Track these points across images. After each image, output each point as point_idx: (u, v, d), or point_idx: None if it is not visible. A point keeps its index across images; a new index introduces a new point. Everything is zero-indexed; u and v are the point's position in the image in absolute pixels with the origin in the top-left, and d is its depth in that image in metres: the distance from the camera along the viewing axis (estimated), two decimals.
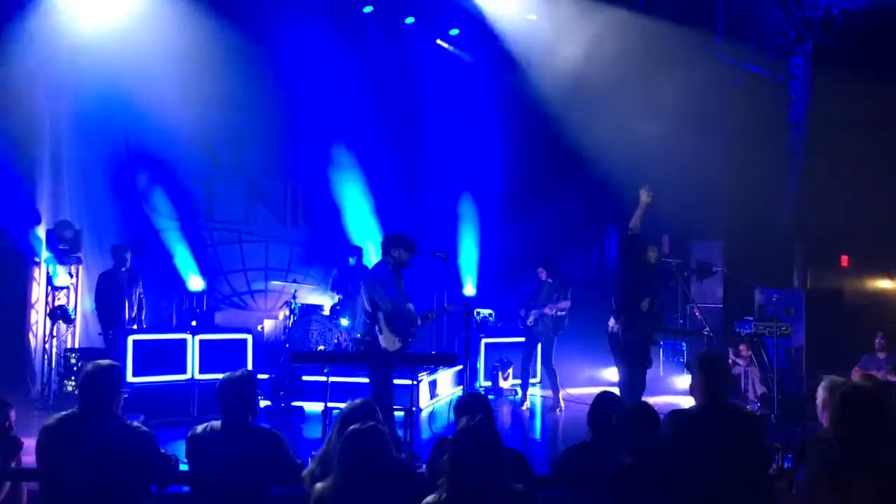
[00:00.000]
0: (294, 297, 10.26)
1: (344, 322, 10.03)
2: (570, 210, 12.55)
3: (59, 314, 9.10)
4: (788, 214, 11.88)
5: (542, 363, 9.90)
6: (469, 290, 12.39)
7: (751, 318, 9.54)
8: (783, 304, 9.75)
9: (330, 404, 6.79)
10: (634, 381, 8.05)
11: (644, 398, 8.18)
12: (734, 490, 3.71)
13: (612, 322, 8.12)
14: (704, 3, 11.72)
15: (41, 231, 9.31)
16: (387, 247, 7.06)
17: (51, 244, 9.17)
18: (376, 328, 6.92)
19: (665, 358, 11.51)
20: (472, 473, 3.26)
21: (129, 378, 8.15)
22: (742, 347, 9.69)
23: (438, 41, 12.43)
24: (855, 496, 2.55)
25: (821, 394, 3.84)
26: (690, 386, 4.05)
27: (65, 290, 9.42)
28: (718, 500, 3.69)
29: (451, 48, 12.57)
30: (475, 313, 10.54)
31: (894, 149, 10.79)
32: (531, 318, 9.81)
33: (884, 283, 12.01)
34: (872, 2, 11.19)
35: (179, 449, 4.24)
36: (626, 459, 3.67)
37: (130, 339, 8.42)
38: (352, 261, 10.73)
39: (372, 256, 11.82)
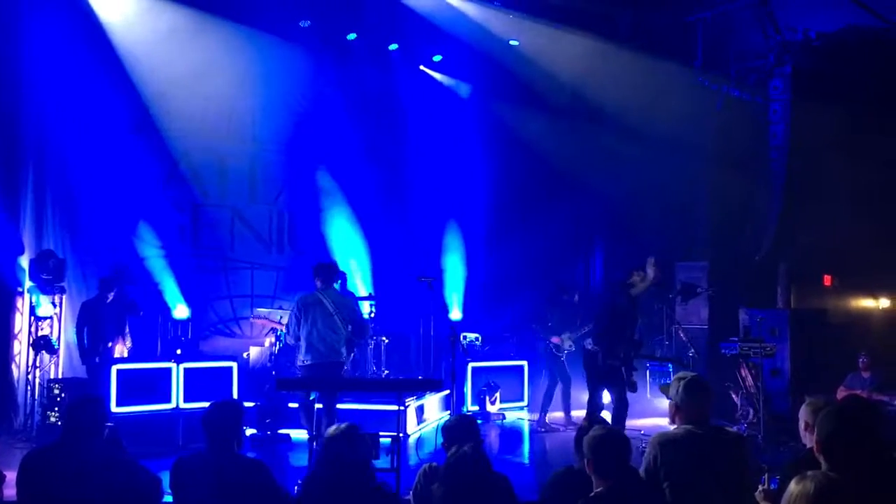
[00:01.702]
0: (280, 324, 10.21)
1: None
2: (555, 234, 12.65)
3: (42, 344, 9.02)
4: (771, 235, 11.98)
5: (566, 383, 9.98)
6: (455, 314, 12.38)
7: (736, 339, 9.57)
8: (768, 325, 9.79)
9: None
10: (617, 403, 8.12)
11: (630, 421, 8.27)
12: None
13: (590, 342, 8.22)
14: (684, 27, 11.88)
15: (24, 261, 9.24)
16: (336, 275, 8.01)
17: (34, 274, 9.11)
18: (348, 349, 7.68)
19: (651, 380, 11.52)
20: (464, 502, 3.26)
21: (113, 408, 8.08)
22: (744, 371, 9.49)
23: (422, 67, 12.52)
24: None
25: (803, 414, 3.85)
26: (670, 409, 4.06)
27: (48, 321, 9.33)
28: None
29: (434, 74, 12.67)
30: (462, 338, 10.57)
31: (873, 169, 10.92)
32: (569, 343, 9.88)
33: (866, 303, 12.11)
34: (850, 25, 11.37)
35: (164, 479, 4.21)
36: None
37: (114, 368, 8.35)
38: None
39: (358, 283, 11.84)
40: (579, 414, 9.86)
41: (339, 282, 10.80)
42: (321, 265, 7.93)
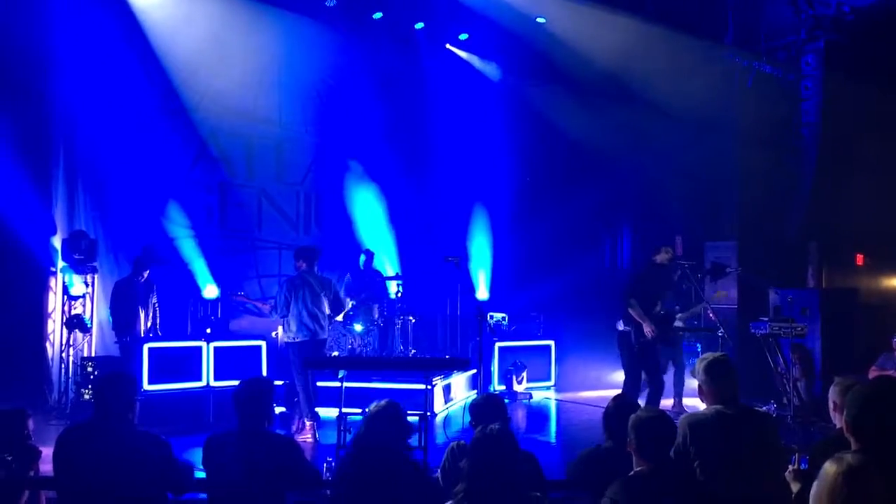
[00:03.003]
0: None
1: (358, 327, 10.06)
2: (583, 212, 12.55)
3: (75, 323, 9.15)
4: (802, 213, 11.81)
5: (679, 367, 9.56)
6: (482, 294, 12.38)
7: (766, 319, 9.46)
8: (798, 304, 9.66)
9: (345, 410, 6.79)
10: (651, 383, 8.09)
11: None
12: (750, 491, 3.69)
13: (621, 323, 8.17)
14: (715, 3, 11.70)
15: (57, 241, 9.37)
16: (317, 257, 8.33)
17: (66, 254, 9.23)
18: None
19: None
20: (491, 480, 3.27)
21: (145, 386, 8.21)
22: (796, 356, 9.27)
23: (448, 46, 12.45)
24: None
25: (832, 394, 3.81)
26: (699, 390, 4.06)
27: (81, 300, 9.48)
28: (735, 502, 3.68)
29: (460, 53, 12.59)
30: (488, 317, 10.57)
31: None
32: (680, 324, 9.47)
33: None
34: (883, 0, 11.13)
35: (196, 456, 4.27)
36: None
37: (146, 347, 8.47)
38: (361, 259, 10.86)
39: (386, 263, 11.89)
40: (691, 402, 9.61)
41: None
42: (303, 248, 8.48)
